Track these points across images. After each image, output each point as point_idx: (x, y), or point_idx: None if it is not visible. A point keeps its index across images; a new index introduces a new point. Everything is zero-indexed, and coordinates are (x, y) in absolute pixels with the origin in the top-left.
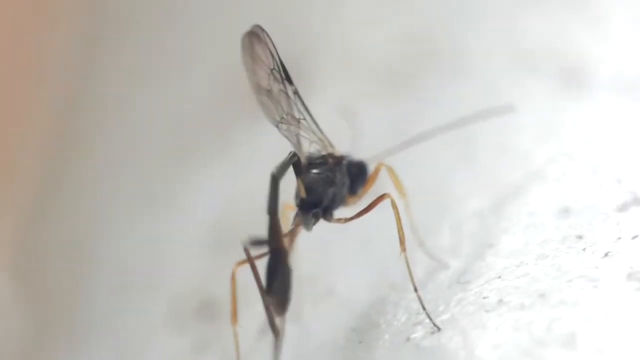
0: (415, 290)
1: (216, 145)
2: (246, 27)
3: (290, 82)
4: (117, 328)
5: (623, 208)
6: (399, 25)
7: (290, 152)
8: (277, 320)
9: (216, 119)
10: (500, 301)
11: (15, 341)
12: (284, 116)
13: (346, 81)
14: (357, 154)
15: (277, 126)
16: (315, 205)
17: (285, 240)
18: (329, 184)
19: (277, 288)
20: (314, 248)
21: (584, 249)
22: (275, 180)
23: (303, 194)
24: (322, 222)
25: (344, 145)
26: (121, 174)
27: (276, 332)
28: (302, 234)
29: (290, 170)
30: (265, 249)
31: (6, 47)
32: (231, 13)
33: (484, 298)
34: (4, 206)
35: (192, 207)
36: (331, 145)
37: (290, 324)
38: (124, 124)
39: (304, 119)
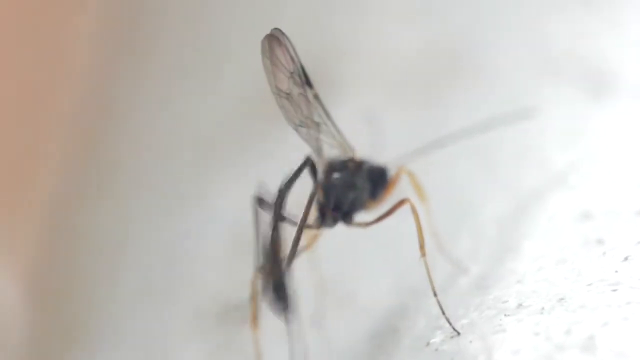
0: (435, 294)
1: (239, 150)
2: None
3: (310, 85)
4: (140, 332)
5: None
6: (423, 31)
7: (305, 156)
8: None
9: (238, 124)
10: (519, 305)
11: (36, 346)
12: (304, 120)
13: (369, 86)
14: (378, 159)
15: (296, 130)
16: (336, 209)
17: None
18: (349, 188)
19: (280, 301)
20: (334, 253)
21: (603, 253)
22: (281, 193)
23: (321, 198)
24: (342, 227)
25: (365, 150)
26: (144, 179)
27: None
28: (322, 239)
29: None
30: None
31: (32, 52)
32: (256, 19)
33: (504, 302)
34: (25, 208)
35: (216, 211)
36: (351, 150)
37: (311, 329)
38: (145, 132)
39: (324, 123)
